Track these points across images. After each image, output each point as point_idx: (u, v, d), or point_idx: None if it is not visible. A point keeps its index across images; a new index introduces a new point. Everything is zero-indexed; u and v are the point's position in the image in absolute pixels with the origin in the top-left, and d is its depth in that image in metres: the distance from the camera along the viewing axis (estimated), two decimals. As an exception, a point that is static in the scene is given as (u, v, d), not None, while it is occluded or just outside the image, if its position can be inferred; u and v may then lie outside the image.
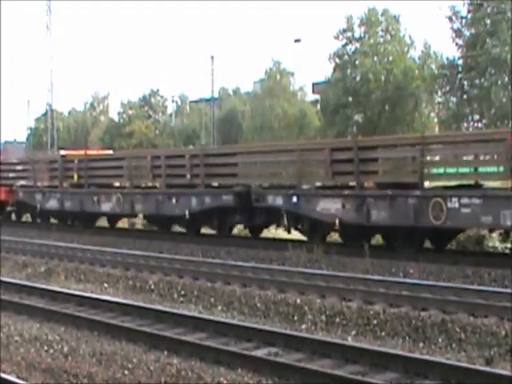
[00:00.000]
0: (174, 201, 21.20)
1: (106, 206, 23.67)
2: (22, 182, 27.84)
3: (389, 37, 53.21)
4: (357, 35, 53.18)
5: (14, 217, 30.08)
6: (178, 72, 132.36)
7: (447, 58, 46.81)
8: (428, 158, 16.11)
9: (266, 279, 13.48)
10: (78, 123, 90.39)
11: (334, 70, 53.66)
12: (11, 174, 28.83)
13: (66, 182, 26.03)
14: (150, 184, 23.49)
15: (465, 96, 44.98)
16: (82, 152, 29.42)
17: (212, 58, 58.29)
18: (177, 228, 23.63)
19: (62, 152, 28.93)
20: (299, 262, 15.66)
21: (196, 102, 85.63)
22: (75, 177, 25.16)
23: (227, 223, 20.75)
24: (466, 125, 45.11)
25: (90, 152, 28.75)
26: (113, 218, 25.48)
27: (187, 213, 20.62)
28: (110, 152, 28.35)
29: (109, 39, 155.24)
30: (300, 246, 17.12)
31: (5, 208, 29.17)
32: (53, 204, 25.99)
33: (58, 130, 74.18)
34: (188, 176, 21.20)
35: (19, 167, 28.99)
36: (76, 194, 25.06)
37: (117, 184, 24.56)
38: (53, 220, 27.15)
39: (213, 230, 21.54)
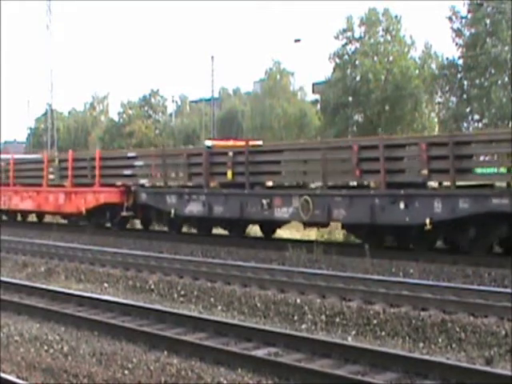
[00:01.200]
0: (401, 205, 16.20)
1: (282, 212, 18.61)
2: (143, 181, 23.06)
3: (389, 37, 53.18)
4: (357, 35, 53.15)
5: (135, 225, 25.71)
6: (178, 72, 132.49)
7: (447, 58, 46.81)
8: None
9: (266, 279, 13.49)
10: (78, 123, 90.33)
11: (334, 69, 53.63)
12: (126, 171, 23.68)
13: (213, 180, 21.29)
14: (354, 183, 18.72)
15: (465, 96, 44.95)
16: (234, 142, 24.75)
17: (212, 58, 58.39)
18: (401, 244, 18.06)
19: (208, 142, 23.27)
20: (299, 262, 15.67)
21: (196, 102, 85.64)
22: (229, 174, 20.15)
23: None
24: (465, 125, 45.09)
25: (250, 142, 21.92)
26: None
27: (428, 222, 15.65)
28: (259, 143, 22.52)
29: (109, 39, 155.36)
30: (300, 245, 17.13)
31: (117, 213, 23.67)
32: (195, 209, 20.87)
33: (58, 130, 74.30)
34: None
35: (138, 162, 23.49)
36: (233, 196, 19.95)
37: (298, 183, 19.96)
38: (186, 229, 23.00)
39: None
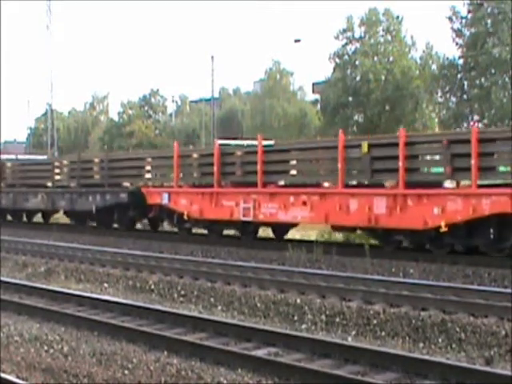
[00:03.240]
0: None
1: None
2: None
3: (389, 37, 53.19)
4: (357, 35, 53.16)
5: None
6: (178, 72, 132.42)
7: (447, 58, 46.79)
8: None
9: (266, 279, 13.49)
10: (78, 123, 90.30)
11: (334, 69, 53.64)
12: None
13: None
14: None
15: (465, 96, 44.95)
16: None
17: (212, 58, 58.26)
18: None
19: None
20: (299, 262, 15.67)
21: (196, 101, 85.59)
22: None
23: None
24: (465, 125, 45.07)
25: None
26: None
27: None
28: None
29: (109, 39, 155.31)
30: (300, 245, 17.13)
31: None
32: None
33: (58, 130, 74.23)
34: None
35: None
36: None
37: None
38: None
39: None
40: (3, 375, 7.45)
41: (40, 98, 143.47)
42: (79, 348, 8.91)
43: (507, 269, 13.52)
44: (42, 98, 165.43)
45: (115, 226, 25.27)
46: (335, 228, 18.72)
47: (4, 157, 32.77)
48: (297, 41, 56.64)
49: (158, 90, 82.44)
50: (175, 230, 22.58)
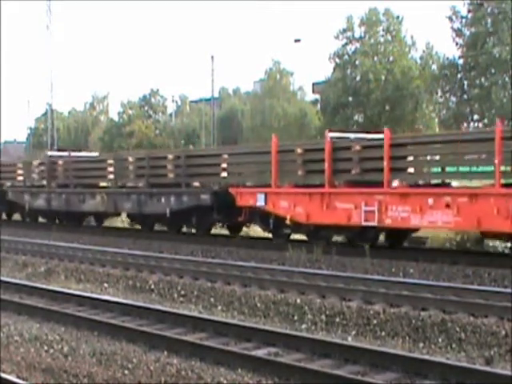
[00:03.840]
0: None
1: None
2: None
3: (389, 37, 53.20)
4: (357, 35, 53.17)
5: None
6: (178, 72, 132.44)
7: (447, 58, 46.80)
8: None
9: (266, 279, 13.48)
10: (78, 123, 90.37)
11: (334, 69, 53.65)
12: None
13: None
14: None
15: (465, 96, 44.95)
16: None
17: (212, 57, 58.27)
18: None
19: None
20: (299, 262, 15.67)
21: (196, 101, 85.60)
22: None
23: None
24: (465, 125, 45.08)
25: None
26: None
27: None
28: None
29: (109, 39, 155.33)
30: (300, 246, 17.13)
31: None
32: None
33: (58, 130, 74.22)
34: None
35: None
36: None
37: None
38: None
39: None
40: (3, 375, 7.46)
41: (40, 98, 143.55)
42: (79, 348, 8.91)
43: (507, 269, 13.52)
44: (42, 97, 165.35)
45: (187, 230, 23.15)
46: (488, 235, 16.46)
47: (55, 153, 31.01)
48: (297, 41, 56.68)
49: (158, 89, 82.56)
50: (270, 235, 20.05)
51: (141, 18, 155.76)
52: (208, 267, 15.24)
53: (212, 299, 12.21)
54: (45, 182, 27.46)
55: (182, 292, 12.87)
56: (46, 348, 8.94)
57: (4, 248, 19.56)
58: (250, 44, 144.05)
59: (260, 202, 18.82)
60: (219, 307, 11.76)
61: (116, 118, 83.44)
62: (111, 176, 24.67)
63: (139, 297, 12.89)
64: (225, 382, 7.45)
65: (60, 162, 27.07)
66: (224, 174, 20.99)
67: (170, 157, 22.62)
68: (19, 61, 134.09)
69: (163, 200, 21.90)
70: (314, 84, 69.29)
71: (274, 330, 9.39)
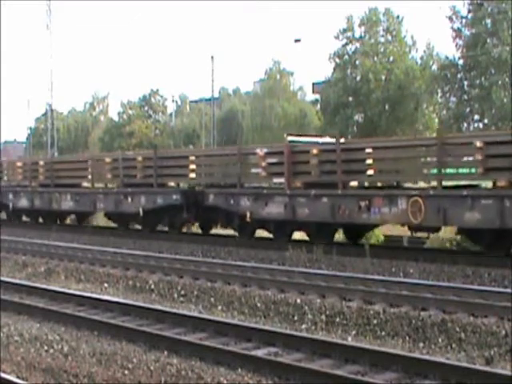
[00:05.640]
0: None
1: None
2: None
3: (390, 37, 53.19)
4: (357, 35, 53.17)
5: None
6: (178, 72, 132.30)
7: (447, 57, 46.80)
8: None
9: (266, 279, 13.49)
10: (78, 123, 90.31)
11: (334, 69, 53.64)
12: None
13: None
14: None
15: (465, 96, 44.94)
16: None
17: (212, 58, 58.25)
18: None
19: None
20: (299, 262, 15.66)
21: (196, 101, 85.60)
22: None
23: None
24: (466, 125, 45.08)
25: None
26: None
27: None
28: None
29: (109, 39, 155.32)
30: (300, 245, 17.13)
31: None
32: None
33: (58, 130, 74.27)
34: None
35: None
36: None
37: None
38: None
39: None
40: (3, 375, 7.46)
41: (40, 97, 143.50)
42: (79, 348, 8.91)
43: (507, 269, 13.52)
44: (42, 97, 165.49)
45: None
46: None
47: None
48: (297, 41, 56.69)
49: (157, 90, 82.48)
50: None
51: (141, 18, 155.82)
52: (208, 267, 15.24)
53: (212, 299, 12.21)
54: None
55: (182, 292, 12.87)
56: (46, 348, 8.94)
57: (4, 248, 19.55)
58: (250, 44, 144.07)
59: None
60: (219, 307, 11.76)
61: (116, 118, 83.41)
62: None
63: (139, 297, 12.89)
64: (225, 382, 7.45)
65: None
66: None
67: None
68: (19, 61, 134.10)
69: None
70: (313, 84, 69.31)
71: (274, 330, 9.39)
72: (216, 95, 66.51)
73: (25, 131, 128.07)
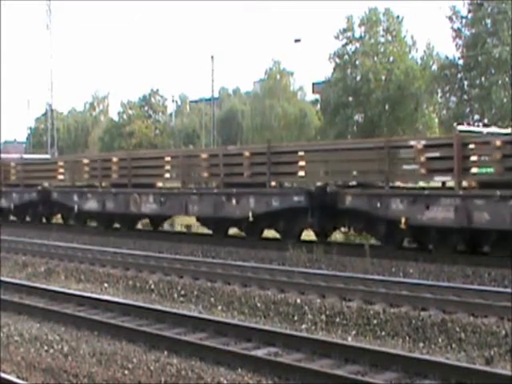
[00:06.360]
0: None
1: None
2: None
3: (390, 37, 53.21)
4: (357, 35, 53.19)
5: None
6: (178, 72, 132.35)
7: (447, 57, 46.81)
8: None
9: (266, 279, 13.48)
10: (78, 123, 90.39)
11: (334, 69, 53.66)
12: None
13: None
14: None
15: (465, 96, 44.96)
16: None
17: (212, 57, 58.30)
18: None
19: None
20: (299, 262, 15.66)
21: (196, 101, 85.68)
22: None
23: None
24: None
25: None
26: None
27: None
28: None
29: (109, 39, 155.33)
30: (300, 246, 17.13)
31: None
32: None
33: (58, 130, 74.29)
34: None
35: None
36: None
37: None
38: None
39: None
40: (3, 375, 7.46)
41: (40, 97, 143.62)
42: (79, 348, 8.90)
43: (507, 269, 13.52)
44: (42, 97, 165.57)
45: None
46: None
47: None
48: (297, 41, 56.72)
49: (157, 89, 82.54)
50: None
51: (141, 18, 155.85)
52: (208, 267, 15.24)
53: (212, 299, 12.21)
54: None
55: (182, 292, 12.87)
56: (46, 348, 8.94)
57: (4, 248, 19.54)
58: (250, 44, 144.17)
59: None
60: (219, 307, 11.76)
61: (116, 118, 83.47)
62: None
63: (139, 297, 12.88)
64: (225, 382, 7.44)
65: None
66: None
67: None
68: (19, 61, 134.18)
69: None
70: (313, 84, 69.36)
71: (274, 330, 9.39)
72: (216, 95, 66.58)
73: (25, 131, 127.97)
